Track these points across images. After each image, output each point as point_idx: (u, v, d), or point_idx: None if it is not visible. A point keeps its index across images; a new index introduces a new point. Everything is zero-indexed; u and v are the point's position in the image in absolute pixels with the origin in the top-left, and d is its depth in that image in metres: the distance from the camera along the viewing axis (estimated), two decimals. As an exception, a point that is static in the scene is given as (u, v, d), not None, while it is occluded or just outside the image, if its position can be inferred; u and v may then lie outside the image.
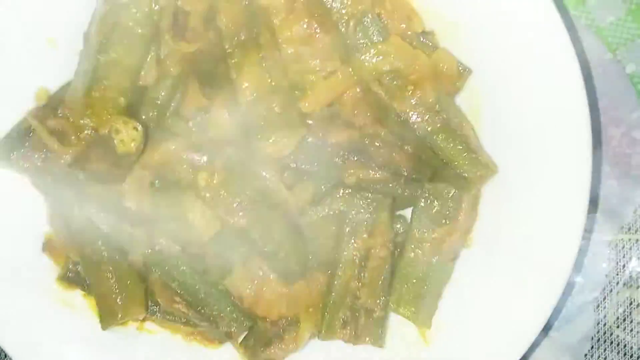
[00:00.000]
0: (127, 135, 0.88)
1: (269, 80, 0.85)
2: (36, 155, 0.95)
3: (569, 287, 1.06)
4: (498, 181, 0.93)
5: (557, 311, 1.04)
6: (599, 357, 1.07)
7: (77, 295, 1.06)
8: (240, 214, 0.89)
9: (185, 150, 0.96)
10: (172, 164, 0.97)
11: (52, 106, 0.96)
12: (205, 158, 0.95)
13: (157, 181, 0.98)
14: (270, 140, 0.83)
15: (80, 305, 1.06)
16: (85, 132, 0.94)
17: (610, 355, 1.06)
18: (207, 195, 0.87)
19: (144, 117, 0.98)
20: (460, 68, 0.90)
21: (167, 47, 0.93)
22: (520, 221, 0.93)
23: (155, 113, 0.99)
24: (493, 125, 0.93)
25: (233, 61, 0.86)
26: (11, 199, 1.03)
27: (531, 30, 0.87)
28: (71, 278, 1.04)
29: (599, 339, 1.07)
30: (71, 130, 0.95)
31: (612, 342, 1.06)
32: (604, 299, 1.07)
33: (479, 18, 0.89)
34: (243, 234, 0.92)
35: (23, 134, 0.96)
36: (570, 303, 1.07)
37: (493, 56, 0.91)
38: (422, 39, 0.91)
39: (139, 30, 0.87)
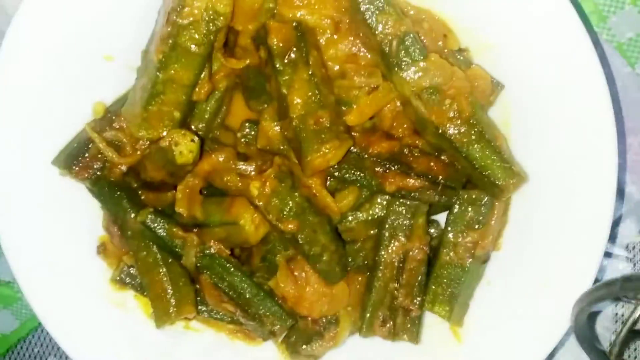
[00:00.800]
0: (185, 147, 0.95)
1: (318, 96, 0.91)
2: (95, 165, 1.01)
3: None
4: (528, 187, 0.99)
5: None
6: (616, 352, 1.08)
7: (128, 296, 1.12)
8: (290, 220, 0.95)
9: (233, 160, 1.03)
10: (221, 172, 1.03)
11: (108, 119, 1.03)
12: (253, 168, 1.02)
13: (206, 190, 1.04)
14: (320, 152, 0.90)
15: (132, 306, 1.13)
16: (141, 142, 1.01)
17: (633, 354, 1.11)
18: (260, 203, 0.94)
19: (193, 128, 1.05)
20: (493, 83, 0.96)
21: (218, 63, 1.00)
22: (547, 225, 1.00)
23: (204, 125, 1.05)
24: (524, 133, 0.99)
25: (284, 78, 0.92)
26: (69, 204, 1.09)
27: (560, 49, 0.93)
28: (123, 280, 1.10)
29: (618, 334, 1.09)
30: (127, 141, 1.02)
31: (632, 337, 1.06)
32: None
33: (510, 37, 0.96)
34: (288, 237, 0.99)
35: (82, 145, 1.03)
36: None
37: (522, 71, 0.98)
38: (457, 56, 0.97)
39: (197, 50, 0.93)
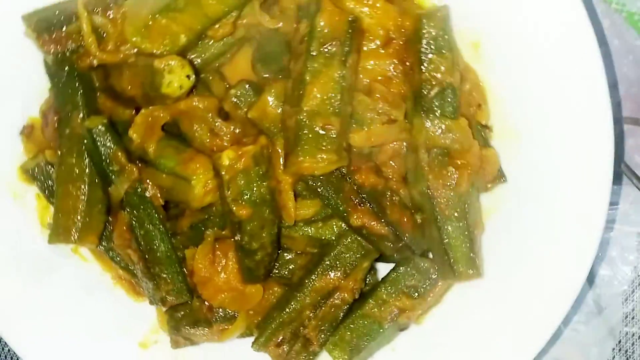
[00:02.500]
0: (177, 79, 0.84)
1: (338, 101, 0.84)
2: (67, 44, 0.88)
3: (597, 280, 1.04)
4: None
5: (584, 304, 1.04)
6: (627, 350, 1.06)
7: (30, 192, 0.99)
8: (246, 206, 0.87)
9: (213, 113, 0.93)
10: (194, 118, 0.93)
11: (106, 3, 0.90)
12: (230, 132, 0.92)
13: (168, 128, 0.93)
14: (314, 159, 0.82)
15: (30, 204, 1.00)
16: (129, 46, 0.88)
17: (638, 349, 1.04)
18: (226, 176, 0.84)
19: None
20: (499, 172, 0.93)
21: (251, 12, 0.89)
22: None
23: (200, 62, 0.94)
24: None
25: (314, 66, 0.84)
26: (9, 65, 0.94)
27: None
28: (34, 173, 0.97)
29: (626, 333, 1.05)
30: (114, 37, 0.89)
31: None
32: (632, 292, 1.04)
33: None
34: (232, 219, 0.90)
35: (65, 17, 0.90)
36: (597, 296, 1.04)
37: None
38: (480, 131, 0.93)
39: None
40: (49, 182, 0.97)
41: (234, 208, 0.86)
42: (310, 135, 0.83)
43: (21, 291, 0.99)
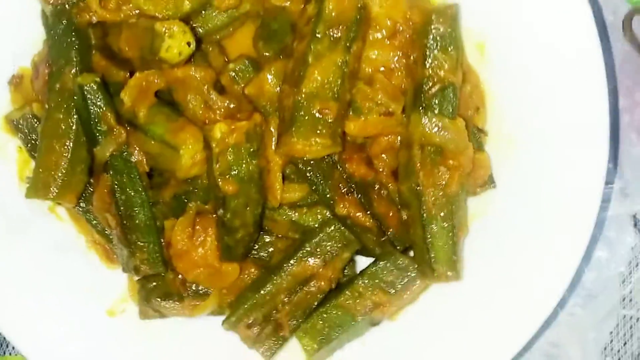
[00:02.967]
0: (177, 46, 0.82)
1: (337, 87, 0.82)
2: (68, -4, 0.85)
3: (594, 262, 1.01)
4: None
5: (581, 287, 1.01)
6: (624, 334, 1.04)
7: (12, 143, 0.97)
8: (233, 182, 0.85)
9: (209, 85, 0.91)
10: (188, 88, 0.92)
11: (111, -41, 0.87)
12: (224, 105, 0.91)
13: (160, 95, 0.91)
14: (308, 141, 0.81)
15: (10, 156, 0.97)
16: (131, 7, 0.86)
17: (636, 332, 1.01)
18: (216, 149, 0.83)
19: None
20: (489, 178, 0.93)
21: (259, -14, 0.88)
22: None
23: (202, 32, 0.93)
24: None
25: (317, 48, 0.83)
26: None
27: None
28: (18, 125, 0.94)
29: (624, 316, 1.03)
30: (118, -3, 0.86)
31: (638, 319, 1.02)
32: (630, 273, 1.02)
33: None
34: (217, 194, 0.89)
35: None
36: (594, 278, 1.01)
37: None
38: (475, 134, 0.92)
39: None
40: (33, 135, 0.95)
41: (220, 182, 0.85)
42: (306, 118, 0.82)
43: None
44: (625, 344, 1.04)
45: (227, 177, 0.85)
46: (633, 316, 1.03)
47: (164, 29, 0.81)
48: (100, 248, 1.04)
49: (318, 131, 0.81)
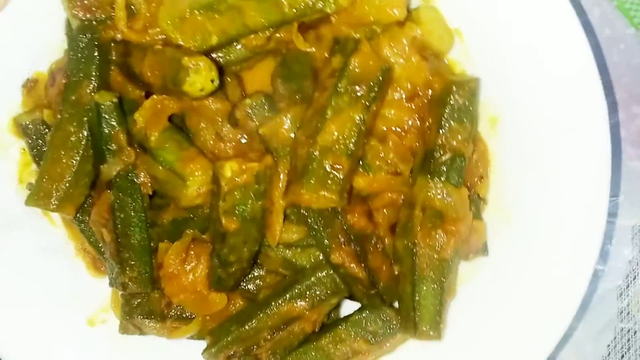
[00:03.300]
0: (202, 82, 0.83)
1: (352, 144, 0.84)
2: (96, 13, 0.86)
3: (591, 275, 0.95)
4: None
5: None
6: (622, 347, 1.04)
7: (16, 145, 0.96)
8: (236, 220, 0.86)
9: (223, 117, 0.92)
10: (202, 116, 0.92)
11: (143, -19, 0.87)
12: (236, 139, 0.92)
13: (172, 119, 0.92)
14: (316, 194, 0.82)
15: (13, 157, 0.97)
16: (158, 31, 0.87)
17: (633, 345, 1.01)
18: (225, 186, 0.84)
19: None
20: (483, 246, 0.95)
21: (287, 30, 0.89)
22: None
23: (221, 62, 0.93)
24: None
25: (337, 102, 0.84)
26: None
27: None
28: (26, 129, 0.94)
29: (622, 329, 1.03)
30: (145, 19, 0.87)
31: (635, 332, 1.01)
32: (627, 286, 1.02)
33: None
34: (219, 229, 0.90)
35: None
36: (592, 291, 1.01)
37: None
38: (475, 202, 0.95)
39: (286, 9, 0.82)
40: (39, 141, 0.95)
41: (224, 220, 0.86)
42: (318, 171, 0.83)
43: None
44: (622, 356, 1.05)
45: (231, 214, 0.86)
46: (630, 329, 1.03)
47: (190, 64, 0.81)
48: (88, 257, 1.04)
49: (327, 186, 0.83)
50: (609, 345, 1.04)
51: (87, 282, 1.04)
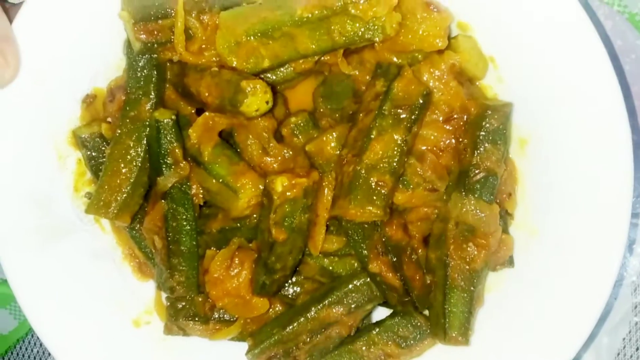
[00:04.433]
0: (258, 103, 0.89)
1: (395, 163, 0.91)
2: (158, 37, 0.92)
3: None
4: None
5: None
6: (637, 340, 1.10)
7: (73, 156, 1.02)
8: (284, 231, 0.93)
9: (270, 133, 0.98)
10: (250, 132, 0.99)
11: (200, 6, 0.94)
12: (281, 155, 0.98)
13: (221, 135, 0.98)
14: (362, 210, 0.89)
15: (70, 166, 1.03)
16: (212, 53, 0.93)
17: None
18: (277, 200, 0.90)
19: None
20: (509, 258, 1.02)
21: (333, 54, 0.95)
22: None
23: (269, 81, 0.99)
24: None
25: (382, 124, 0.91)
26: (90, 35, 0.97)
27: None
28: (85, 142, 1.00)
29: (636, 322, 1.09)
30: (201, 41, 0.93)
31: None
32: None
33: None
34: (268, 239, 0.96)
35: (163, 11, 0.93)
36: None
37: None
38: (504, 217, 1.01)
39: (337, 37, 0.89)
40: (95, 153, 1.01)
41: (274, 231, 0.92)
42: (364, 187, 0.90)
43: (39, 246, 1.02)
44: (637, 349, 1.12)
45: (280, 226, 0.92)
46: (645, 323, 1.11)
47: (249, 88, 0.87)
48: (134, 261, 1.10)
49: (373, 201, 0.89)
50: (624, 339, 1.11)
51: (132, 286, 1.10)
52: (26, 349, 1.23)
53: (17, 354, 1.23)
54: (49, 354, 1.22)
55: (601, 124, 0.95)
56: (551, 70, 0.95)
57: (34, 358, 1.23)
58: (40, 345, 1.23)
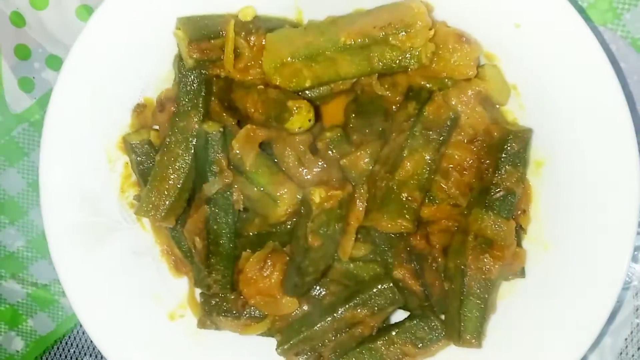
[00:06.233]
0: (301, 121, 0.97)
1: (425, 179, 0.99)
2: (209, 55, 1.00)
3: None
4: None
5: None
6: (638, 340, 1.17)
7: (121, 159, 1.10)
8: (319, 238, 1.01)
9: (305, 146, 1.07)
10: (287, 144, 1.07)
11: (249, 28, 1.02)
12: (316, 167, 1.07)
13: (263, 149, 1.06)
14: (393, 222, 0.97)
15: (118, 169, 1.10)
16: (257, 71, 1.01)
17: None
18: (315, 210, 0.99)
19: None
20: (521, 271, 1.11)
21: (368, 76, 1.04)
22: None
23: (311, 95, 1.08)
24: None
25: (413, 143, 0.99)
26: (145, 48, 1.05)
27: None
28: (134, 147, 1.08)
29: (637, 324, 1.16)
30: (247, 60, 1.01)
31: None
32: None
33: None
34: (303, 245, 1.04)
35: (215, 31, 1.01)
36: None
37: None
38: (518, 232, 1.10)
39: (375, 63, 0.97)
40: (143, 158, 1.08)
41: (310, 237, 1.01)
42: (396, 201, 0.98)
43: (88, 243, 1.10)
44: (639, 349, 1.20)
45: (316, 234, 1.01)
46: (647, 326, 1.14)
47: (295, 108, 0.96)
48: (171, 259, 1.18)
49: (403, 215, 0.98)
50: (626, 339, 1.18)
51: (168, 281, 1.18)
52: (62, 350, 1.33)
53: (54, 355, 1.33)
54: (84, 355, 1.30)
55: (611, 149, 1.03)
56: (567, 99, 1.03)
57: (70, 358, 1.32)
58: (76, 346, 1.32)
